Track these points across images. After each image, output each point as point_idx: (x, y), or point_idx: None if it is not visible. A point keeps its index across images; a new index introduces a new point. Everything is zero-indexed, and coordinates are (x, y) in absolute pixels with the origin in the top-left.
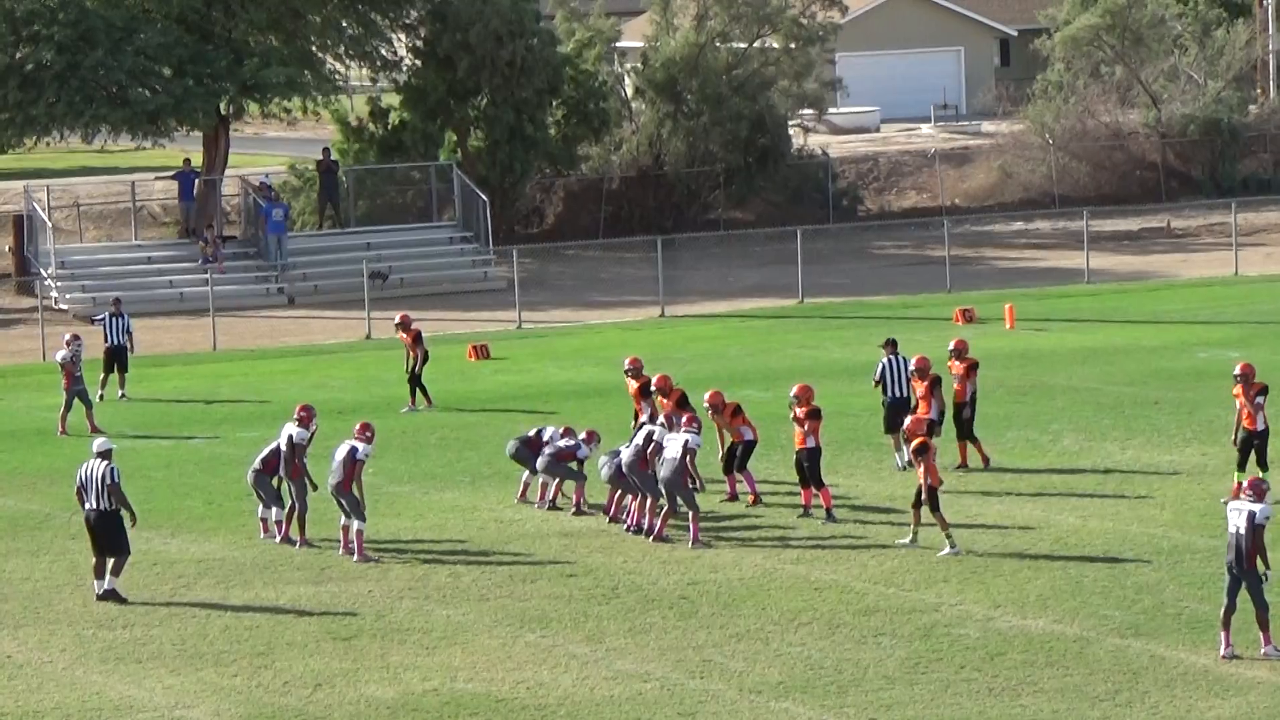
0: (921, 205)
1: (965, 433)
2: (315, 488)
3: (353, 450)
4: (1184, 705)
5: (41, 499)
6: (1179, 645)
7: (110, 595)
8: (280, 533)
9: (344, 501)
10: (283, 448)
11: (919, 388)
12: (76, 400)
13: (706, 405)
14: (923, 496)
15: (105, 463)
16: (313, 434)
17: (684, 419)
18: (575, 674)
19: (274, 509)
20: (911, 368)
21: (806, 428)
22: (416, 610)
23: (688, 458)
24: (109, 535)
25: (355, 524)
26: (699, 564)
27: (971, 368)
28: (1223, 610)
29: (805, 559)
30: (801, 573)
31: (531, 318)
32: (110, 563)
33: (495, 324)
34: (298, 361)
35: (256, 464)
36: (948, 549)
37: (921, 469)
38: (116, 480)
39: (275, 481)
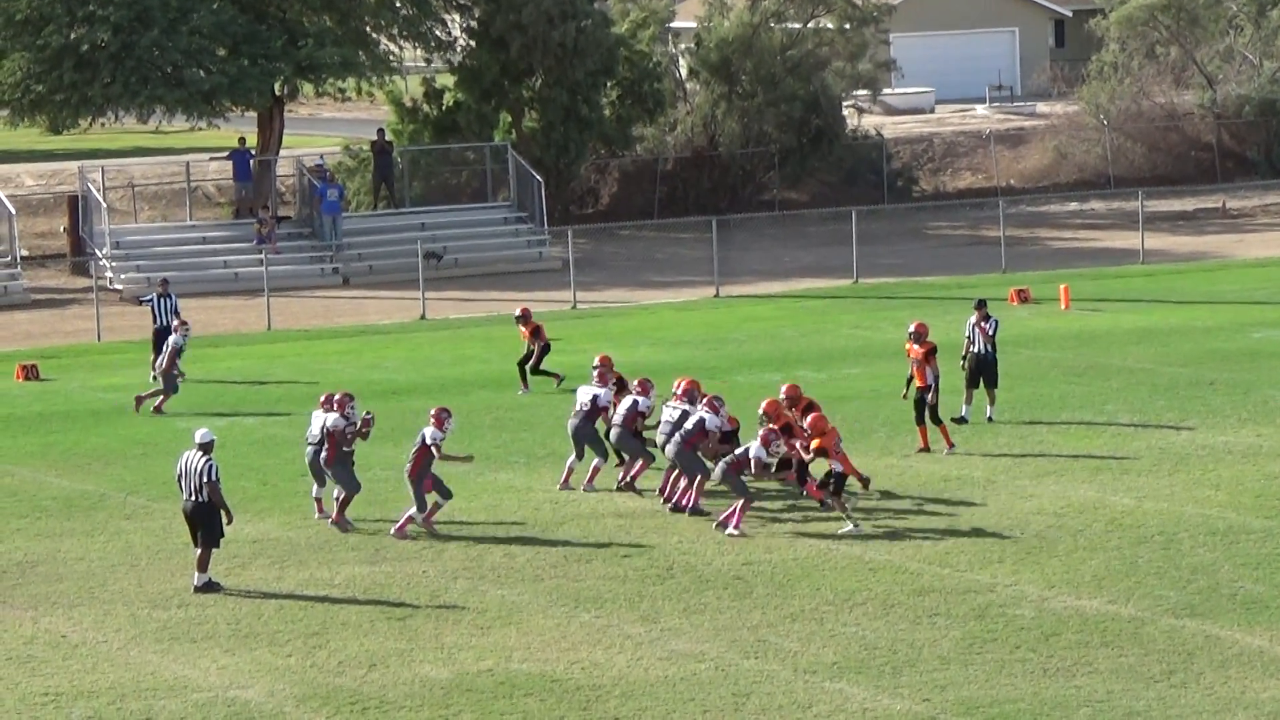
0: (976, 186)
1: (932, 417)
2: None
3: (424, 436)
4: (1239, 686)
5: (96, 480)
6: (1234, 626)
7: (206, 587)
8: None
9: (414, 485)
10: (316, 433)
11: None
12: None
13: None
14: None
15: (205, 458)
16: (350, 419)
17: (705, 400)
18: (630, 654)
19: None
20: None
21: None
22: (471, 590)
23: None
24: (203, 525)
25: (411, 512)
26: (754, 544)
27: (931, 352)
28: None
29: (859, 539)
30: (856, 553)
31: (586, 298)
32: (198, 556)
33: (550, 304)
34: (352, 342)
35: (313, 444)
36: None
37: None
38: (215, 479)
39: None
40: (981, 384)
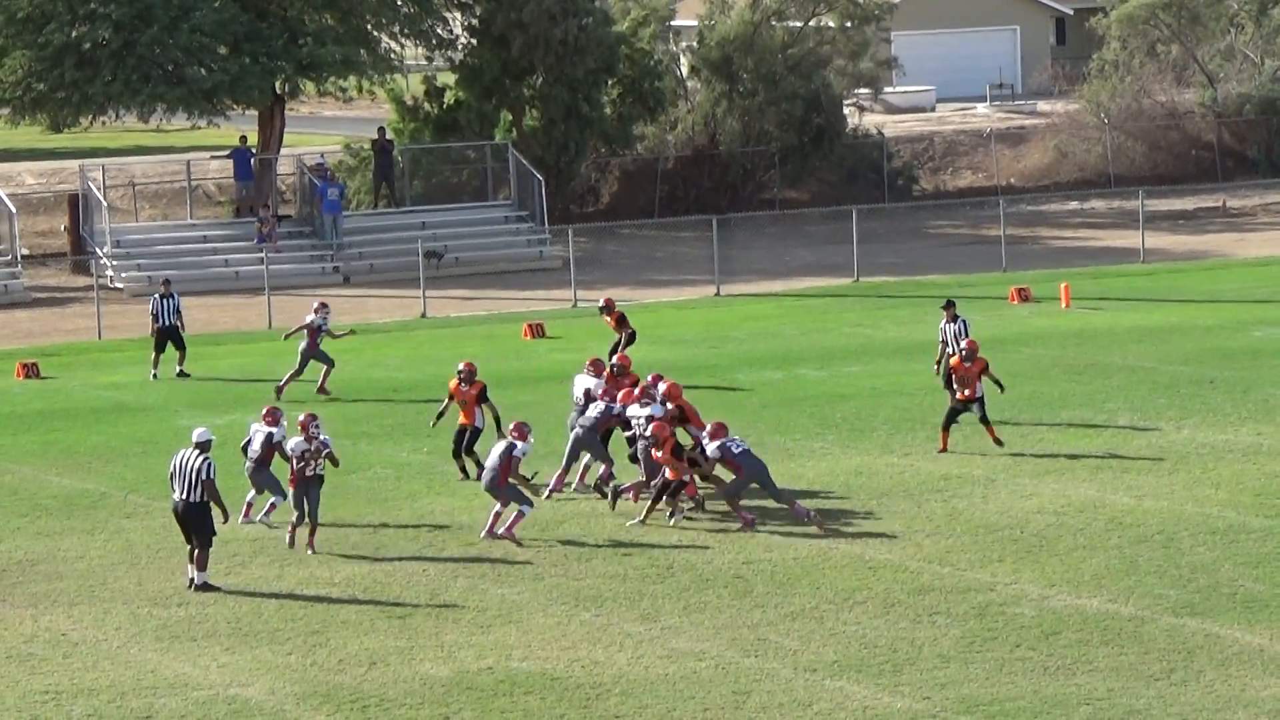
0: (977, 185)
1: (983, 420)
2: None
3: (510, 447)
4: (1239, 684)
5: (96, 478)
6: (1234, 624)
7: (205, 587)
8: (307, 542)
9: (504, 495)
10: (257, 448)
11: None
12: (312, 361)
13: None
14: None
15: (202, 456)
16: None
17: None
18: (630, 653)
19: (275, 496)
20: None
21: None
22: (471, 589)
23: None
24: (196, 525)
25: (522, 508)
26: (754, 543)
27: (984, 369)
28: None
29: (859, 538)
30: (856, 552)
31: (587, 296)
32: (195, 555)
33: (550, 303)
34: (353, 340)
35: (251, 459)
36: (637, 520)
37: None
38: (211, 476)
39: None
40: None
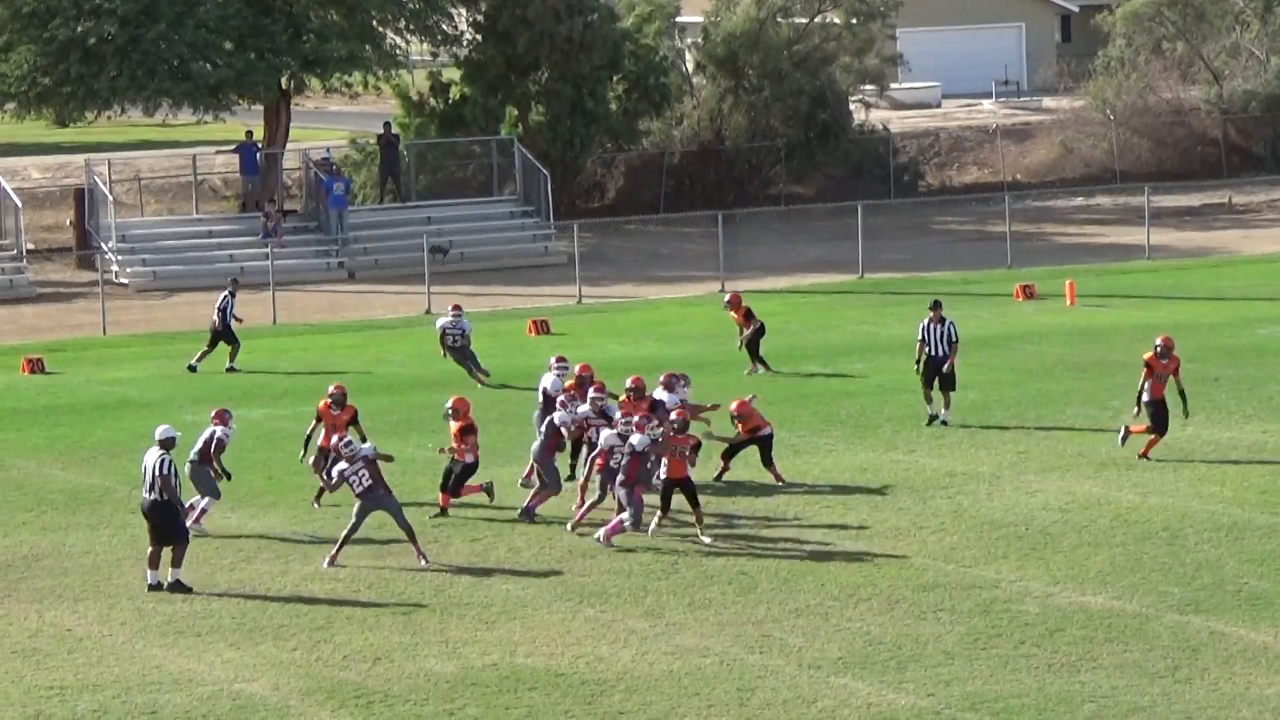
0: (982, 181)
1: (1164, 426)
2: (229, 477)
3: (630, 445)
4: (1243, 682)
5: (102, 473)
6: (1239, 622)
7: (176, 587)
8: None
9: (624, 494)
10: (199, 445)
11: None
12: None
13: None
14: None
15: (161, 453)
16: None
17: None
18: (634, 649)
19: (206, 499)
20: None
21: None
22: (476, 585)
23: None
24: (163, 524)
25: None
26: (757, 540)
27: (1177, 367)
28: None
29: (864, 534)
30: (861, 548)
31: (592, 292)
32: (171, 553)
33: (555, 299)
34: (357, 336)
35: (193, 455)
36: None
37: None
38: (166, 472)
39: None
40: (938, 386)
